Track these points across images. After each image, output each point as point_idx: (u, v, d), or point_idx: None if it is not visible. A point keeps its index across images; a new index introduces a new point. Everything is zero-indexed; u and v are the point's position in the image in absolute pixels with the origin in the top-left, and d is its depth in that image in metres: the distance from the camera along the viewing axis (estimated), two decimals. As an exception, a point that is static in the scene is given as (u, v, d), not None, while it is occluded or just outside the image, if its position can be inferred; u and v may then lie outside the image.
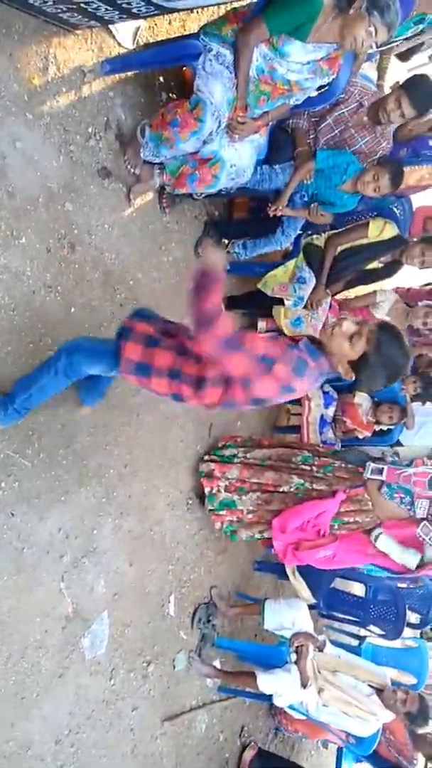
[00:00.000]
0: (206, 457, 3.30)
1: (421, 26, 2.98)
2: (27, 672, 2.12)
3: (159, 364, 1.82)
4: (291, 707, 2.96)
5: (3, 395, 2.01)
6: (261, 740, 3.76)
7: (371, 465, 2.95)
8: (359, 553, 3.05)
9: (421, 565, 2.88)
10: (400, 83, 2.80)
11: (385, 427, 3.74)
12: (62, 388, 1.98)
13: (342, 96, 2.82)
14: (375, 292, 3.75)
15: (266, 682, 2.86)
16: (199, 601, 3.24)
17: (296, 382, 1.70)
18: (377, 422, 3.78)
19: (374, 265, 3.44)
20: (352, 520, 2.98)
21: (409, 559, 2.87)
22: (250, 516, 3.14)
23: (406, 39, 3.26)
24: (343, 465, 3.09)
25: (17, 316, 2.15)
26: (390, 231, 3.20)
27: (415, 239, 3.36)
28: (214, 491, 3.16)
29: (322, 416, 3.78)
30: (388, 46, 3.31)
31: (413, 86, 2.75)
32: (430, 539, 2.80)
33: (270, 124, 2.70)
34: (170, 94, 2.93)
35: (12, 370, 2.12)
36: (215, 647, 3.26)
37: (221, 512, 3.16)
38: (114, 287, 2.68)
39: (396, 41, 3.09)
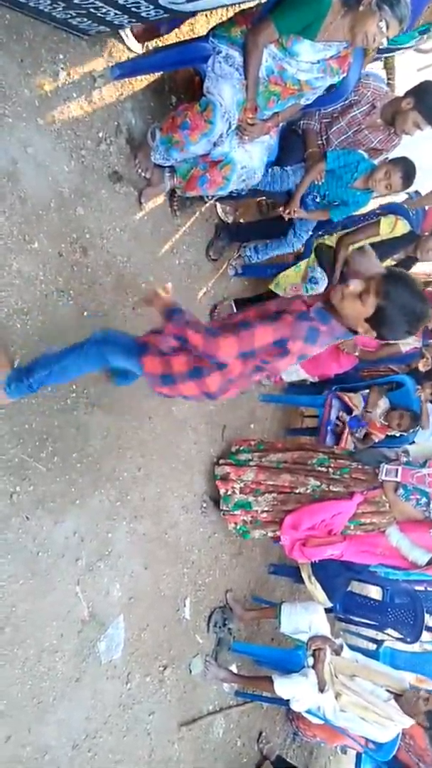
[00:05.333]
0: (221, 461, 3.29)
1: (425, 36, 2.93)
2: (43, 676, 2.12)
3: (178, 370, 1.87)
4: (308, 712, 2.93)
5: (20, 368, 2.01)
6: (279, 746, 3.73)
7: (385, 467, 2.92)
8: (367, 553, 3.02)
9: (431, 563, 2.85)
10: (411, 96, 2.75)
11: (397, 433, 3.72)
12: (84, 372, 2.03)
13: (354, 98, 2.81)
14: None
15: (283, 686, 2.84)
16: (215, 605, 3.23)
17: (309, 350, 1.72)
18: (389, 426, 3.76)
19: (388, 263, 3.42)
20: (368, 521, 2.95)
21: (419, 555, 2.84)
22: (264, 515, 3.12)
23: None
24: (359, 467, 3.06)
25: (30, 321, 2.15)
26: (402, 228, 3.18)
27: (427, 233, 3.32)
28: (229, 493, 3.15)
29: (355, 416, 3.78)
30: (391, 53, 3.28)
31: (424, 101, 2.71)
32: (444, 539, 2.77)
33: (280, 125, 2.69)
34: (180, 98, 2.93)
35: (25, 374, 2.12)
36: (231, 651, 3.24)
37: (236, 512, 3.15)
38: (126, 290, 2.68)
39: (400, 48, 3.06)
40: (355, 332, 1.75)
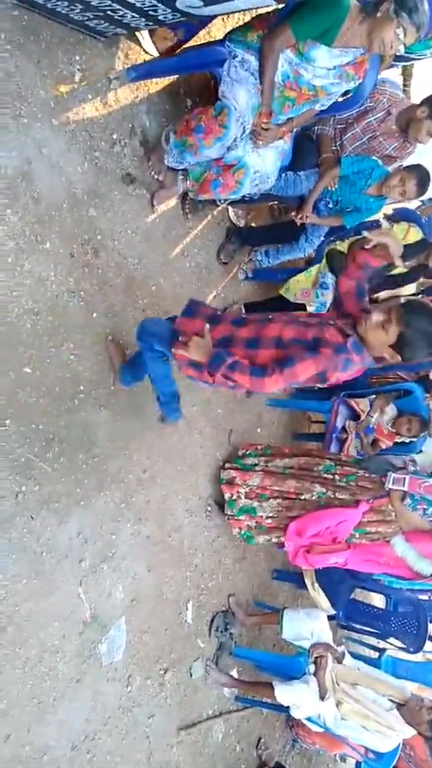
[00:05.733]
0: (227, 465, 3.28)
1: None
2: (44, 676, 2.12)
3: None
4: (309, 719, 2.91)
5: (159, 401, 2.43)
6: (278, 752, 3.71)
7: (393, 475, 2.90)
8: (371, 562, 3.01)
9: None
10: (427, 105, 2.73)
11: (407, 439, 3.69)
12: (164, 368, 2.26)
13: (370, 104, 2.80)
14: (399, 297, 3.71)
15: (284, 693, 2.82)
16: (217, 609, 3.22)
17: (342, 376, 1.89)
18: (397, 433, 3.73)
19: (399, 269, 3.40)
20: (374, 530, 2.94)
21: (424, 566, 2.82)
22: (269, 521, 3.11)
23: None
24: (366, 475, 3.04)
25: (40, 321, 2.16)
26: (414, 235, 3.17)
27: None
28: (234, 497, 3.14)
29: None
30: (408, 63, 3.26)
31: None
32: (451, 550, 2.76)
33: (294, 130, 2.69)
34: (195, 101, 2.93)
35: (34, 374, 2.13)
36: (233, 656, 3.22)
37: (240, 517, 3.14)
38: (136, 292, 2.68)
39: (414, 57, 3.04)
40: (381, 359, 1.92)
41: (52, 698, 2.15)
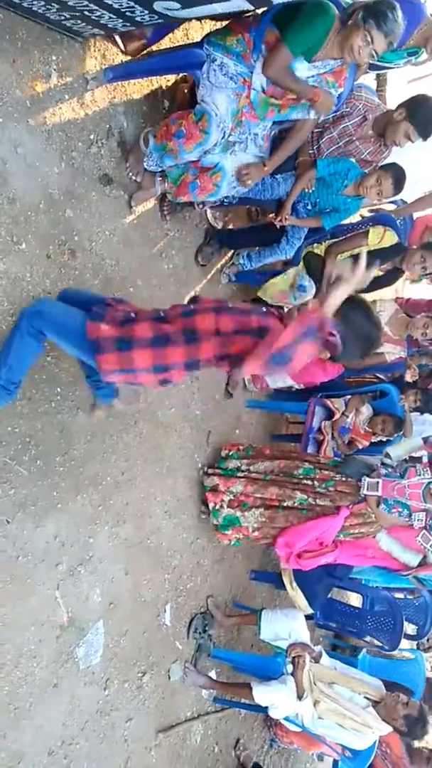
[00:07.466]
0: (210, 471, 3.28)
1: (413, 58, 2.95)
2: (20, 682, 2.09)
3: (140, 365, 1.76)
4: (286, 719, 2.93)
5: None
6: (256, 752, 3.72)
7: (366, 480, 2.93)
8: (359, 556, 3.06)
9: (422, 564, 2.88)
10: (404, 108, 2.77)
11: (383, 438, 3.74)
12: (38, 351, 1.89)
13: (346, 109, 2.83)
14: (375, 301, 3.76)
15: (262, 693, 2.83)
16: (196, 611, 3.22)
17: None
18: (374, 433, 3.78)
19: (375, 273, 3.44)
20: (357, 531, 2.99)
21: (410, 557, 2.87)
22: (255, 533, 3.13)
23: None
24: (343, 479, 3.08)
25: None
26: (390, 239, 3.21)
27: (414, 246, 3.36)
28: (218, 507, 3.14)
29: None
30: (383, 70, 3.30)
31: (416, 113, 2.74)
32: (430, 546, 2.81)
33: (272, 133, 2.70)
34: (173, 103, 2.93)
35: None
36: (211, 657, 3.23)
37: (227, 532, 3.16)
38: (114, 294, 2.67)
39: (388, 66, 3.08)
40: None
41: (29, 703, 2.13)
